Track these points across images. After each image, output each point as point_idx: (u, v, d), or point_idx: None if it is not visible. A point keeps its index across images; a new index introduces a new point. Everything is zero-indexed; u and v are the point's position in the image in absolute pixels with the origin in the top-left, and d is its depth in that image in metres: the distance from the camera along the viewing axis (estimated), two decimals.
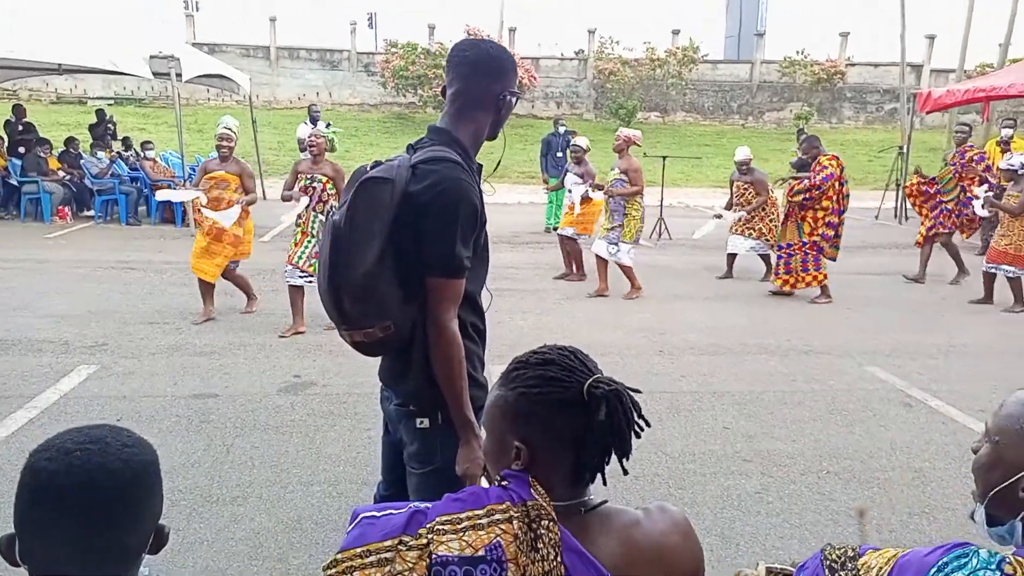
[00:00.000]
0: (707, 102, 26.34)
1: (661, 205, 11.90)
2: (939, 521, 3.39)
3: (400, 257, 1.81)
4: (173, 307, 6.62)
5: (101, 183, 11.85)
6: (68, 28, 10.24)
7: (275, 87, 25.08)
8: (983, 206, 8.09)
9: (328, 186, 5.92)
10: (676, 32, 26.36)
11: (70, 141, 13.24)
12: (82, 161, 12.27)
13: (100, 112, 15.62)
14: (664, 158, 12.18)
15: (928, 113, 14.11)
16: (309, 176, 5.95)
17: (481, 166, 2.01)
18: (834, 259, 7.81)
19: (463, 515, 1.14)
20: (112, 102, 22.87)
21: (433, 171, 1.82)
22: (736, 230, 8.63)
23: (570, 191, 8.27)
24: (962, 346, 6.15)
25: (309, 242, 5.94)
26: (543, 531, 1.11)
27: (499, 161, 2.28)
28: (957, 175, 8.78)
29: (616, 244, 7.45)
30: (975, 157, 8.85)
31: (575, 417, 1.17)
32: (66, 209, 11.83)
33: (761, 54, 26.61)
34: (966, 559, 1.08)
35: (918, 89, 17.41)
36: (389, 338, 1.87)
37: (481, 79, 1.96)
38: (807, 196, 7.45)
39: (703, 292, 7.98)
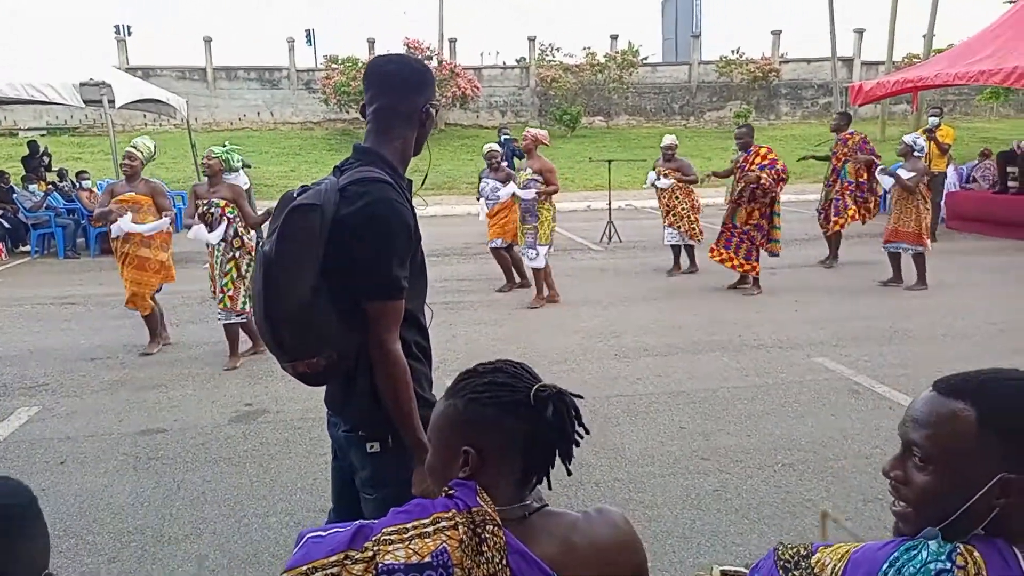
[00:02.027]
0: (649, 104, 26.76)
1: (609, 209, 12.03)
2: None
3: (336, 283, 1.77)
4: (116, 341, 6.43)
5: (36, 216, 11.49)
6: None
7: (214, 109, 24.67)
8: (879, 173, 8.30)
9: (228, 210, 5.57)
10: (615, 37, 26.75)
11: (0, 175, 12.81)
12: (15, 195, 11.88)
13: (33, 144, 15.16)
14: (609, 162, 12.33)
15: (861, 105, 14.53)
16: (206, 201, 5.61)
17: (411, 181, 1.99)
18: (776, 254, 7.99)
19: (409, 525, 1.16)
20: (44, 132, 22.22)
21: (363, 193, 1.79)
22: (667, 223, 8.91)
23: (488, 199, 8.20)
24: (905, 331, 6.33)
25: (220, 273, 5.68)
26: (488, 535, 1.15)
27: (426, 175, 2.26)
28: (838, 161, 9.12)
29: (533, 248, 7.40)
30: (858, 142, 9.11)
31: (523, 420, 1.23)
32: (0, 245, 11.43)
33: (698, 55, 27.16)
34: (915, 551, 1.07)
35: (850, 82, 17.95)
36: (333, 366, 1.83)
37: (402, 94, 1.93)
38: (758, 185, 7.61)
39: (654, 293, 8.07)
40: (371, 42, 25.28)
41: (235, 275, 5.65)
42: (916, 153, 7.91)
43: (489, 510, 1.17)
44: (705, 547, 3.14)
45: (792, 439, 4.22)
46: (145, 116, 20.82)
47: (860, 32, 26.79)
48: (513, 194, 7.59)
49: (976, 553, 1.04)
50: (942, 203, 11.95)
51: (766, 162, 7.69)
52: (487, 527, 1.15)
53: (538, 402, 1.23)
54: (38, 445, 4.35)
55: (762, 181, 7.57)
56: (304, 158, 21.22)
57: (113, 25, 25.83)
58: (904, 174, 7.85)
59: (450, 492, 1.21)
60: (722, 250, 7.98)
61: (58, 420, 4.74)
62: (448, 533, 1.14)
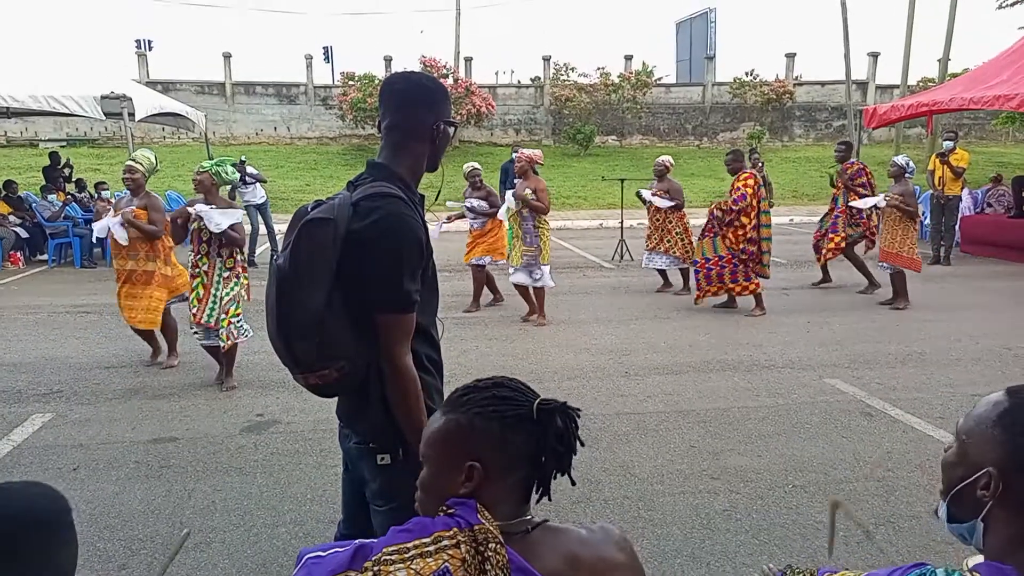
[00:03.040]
0: (662, 124, 26.83)
1: (621, 227, 12.05)
2: (904, 530, 3.43)
3: (348, 296, 1.80)
4: (130, 350, 6.48)
5: (54, 226, 11.63)
6: (16, 70, 10.08)
7: (231, 123, 24.94)
8: (884, 199, 8.22)
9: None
10: (629, 57, 26.88)
11: (8, 184, 12.98)
12: (34, 205, 12.04)
13: (53, 155, 15.36)
14: (622, 181, 12.35)
15: (875, 128, 14.51)
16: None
17: (423, 196, 2.01)
18: (766, 276, 7.96)
19: (410, 544, 1.16)
20: (64, 143, 22.52)
21: (374, 207, 1.81)
22: (649, 246, 8.97)
23: (473, 220, 8.13)
24: (919, 354, 6.29)
25: (214, 295, 5.38)
26: (491, 553, 1.14)
27: (439, 191, 2.29)
28: (838, 190, 9.12)
29: (538, 268, 7.33)
30: (854, 172, 9.08)
31: (528, 434, 1.24)
32: (18, 254, 11.58)
33: (712, 77, 27.24)
34: None
35: (864, 105, 17.94)
36: (345, 378, 1.85)
37: (414, 111, 1.96)
38: (727, 213, 7.63)
39: (666, 311, 8.06)
40: (388, 60, 25.55)
41: (232, 295, 5.42)
42: (907, 175, 8.03)
43: (491, 527, 1.16)
44: (715, 567, 3.12)
45: (804, 460, 4.19)
46: (164, 129, 21.08)
47: (875, 55, 26.81)
48: (507, 210, 7.51)
49: None
50: (956, 227, 11.89)
51: (734, 189, 7.69)
52: (489, 545, 1.14)
53: (542, 416, 1.24)
54: (51, 451, 4.38)
55: (715, 211, 7.72)
56: (320, 173, 21.39)
57: (134, 39, 26.16)
58: (870, 200, 8.22)
59: (450, 511, 1.20)
60: (706, 287, 7.90)
61: (72, 427, 4.78)
62: (450, 552, 1.13)
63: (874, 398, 5.20)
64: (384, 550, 1.14)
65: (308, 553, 1.19)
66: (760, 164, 11.94)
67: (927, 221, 11.78)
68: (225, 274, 5.41)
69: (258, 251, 11.55)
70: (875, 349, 6.45)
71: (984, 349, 6.42)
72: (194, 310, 5.39)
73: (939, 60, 20.92)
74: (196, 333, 5.51)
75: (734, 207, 7.57)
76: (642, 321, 7.65)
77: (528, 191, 7.19)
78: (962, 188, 11.68)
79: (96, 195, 12.73)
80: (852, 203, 8.63)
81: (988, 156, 23.51)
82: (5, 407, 5.10)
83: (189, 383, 5.64)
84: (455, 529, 1.16)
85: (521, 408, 1.25)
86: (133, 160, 5.78)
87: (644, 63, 25.93)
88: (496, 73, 37.44)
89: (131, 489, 3.85)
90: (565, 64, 25.87)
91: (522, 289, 7.59)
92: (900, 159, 8.14)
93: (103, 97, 9.98)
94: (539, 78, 26.86)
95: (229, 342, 5.40)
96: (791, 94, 26.16)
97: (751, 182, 7.61)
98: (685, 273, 8.92)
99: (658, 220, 8.93)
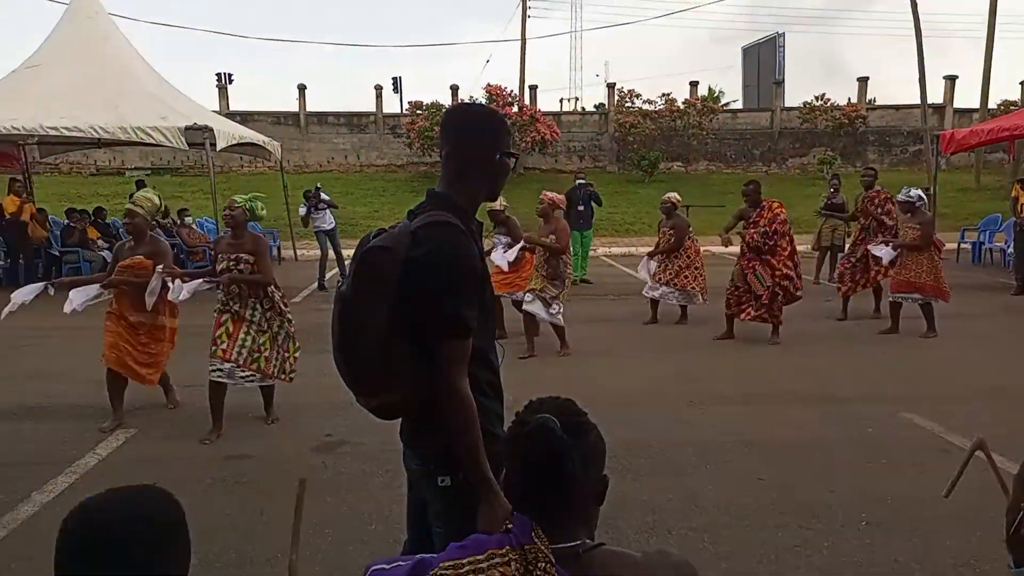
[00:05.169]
0: (728, 150, 26.52)
1: None
2: (985, 573, 3.28)
3: (408, 322, 1.86)
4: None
5: None
6: (106, 102, 10.72)
7: (305, 152, 25.82)
8: (893, 249, 8.03)
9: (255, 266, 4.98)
10: (695, 84, 26.76)
11: (98, 211, 13.72)
12: (121, 230, 12.69)
13: (140, 183, 16.16)
14: (687, 207, 12.24)
15: (953, 153, 14.05)
16: (233, 257, 4.96)
17: (482, 224, 2.07)
18: (799, 298, 7.80)
19: (465, 560, 1.21)
20: (149, 172, 23.68)
21: (432, 236, 1.87)
22: (656, 277, 8.78)
23: (500, 257, 7.46)
24: (1000, 388, 6.01)
25: (248, 331, 5.02)
26: (540, 572, 1.18)
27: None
28: (866, 219, 8.86)
29: (557, 303, 7.11)
30: (884, 199, 8.79)
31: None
32: None
33: (780, 101, 26.84)
34: None
35: (941, 130, 17.38)
36: (405, 402, 1.91)
37: (472, 141, 2.01)
38: (767, 241, 7.46)
39: (735, 340, 7.92)
40: (455, 89, 26.10)
41: (269, 337, 5.14)
42: (918, 204, 7.82)
43: (543, 547, 1.19)
44: None
45: (877, 496, 4.05)
46: (241, 158, 21.97)
47: (952, 78, 25.98)
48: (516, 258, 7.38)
49: None
50: None
51: (773, 216, 7.53)
52: (539, 564, 1.17)
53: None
54: (133, 465, 4.59)
55: (752, 239, 7.55)
56: (387, 199, 21.90)
57: (215, 73, 27.42)
58: (887, 251, 7.95)
59: (508, 527, 1.24)
60: (750, 310, 7.70)
61: (153, 442, 5.00)
62: (501, 569, 1.17)
63: (953, 434, 4.99)
64: (441, 564, 1.21)
65: (374, 566, 1.26)
66: (834, 189, 11.68)
67: (1010, 250, 11.28)
68: (267, 314, 5.11)
69: (328, 276, 11.86)
70: (953, 383, 6.20)
71: None
72: (223, 346, 4.96)
73: (1021, 82, 20.13)
74: (216, 371, 4.99)
75: (780, 228, 7.44)
76: (704, 348, 7.54)
77: (552, 238, 7.05)
78: None
79: (180, 221, 13.34)
80: (872, 248, 8.29)
81: None
82: (92, 422, 5.37)
83: (262, 402, 5.81)
84: (507, 547, 1.20)
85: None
86: (133, 204, 5.15)
87: (710, 88, 25.81)
88: (560, 100, 37.74)
89: (206, 504, 3.99)
90: (630, 91, 25.92)
91: (529, 322, 7.25)
92: (913, 192, 7.92)
93: (187, 128, 10.52)
94: (603, 105, 26.95)
95: (284, 378, 5.23)
96: (864, 118, 25.53)
97: (782, 208, 7.59)
98: (685, 308, 8.80)
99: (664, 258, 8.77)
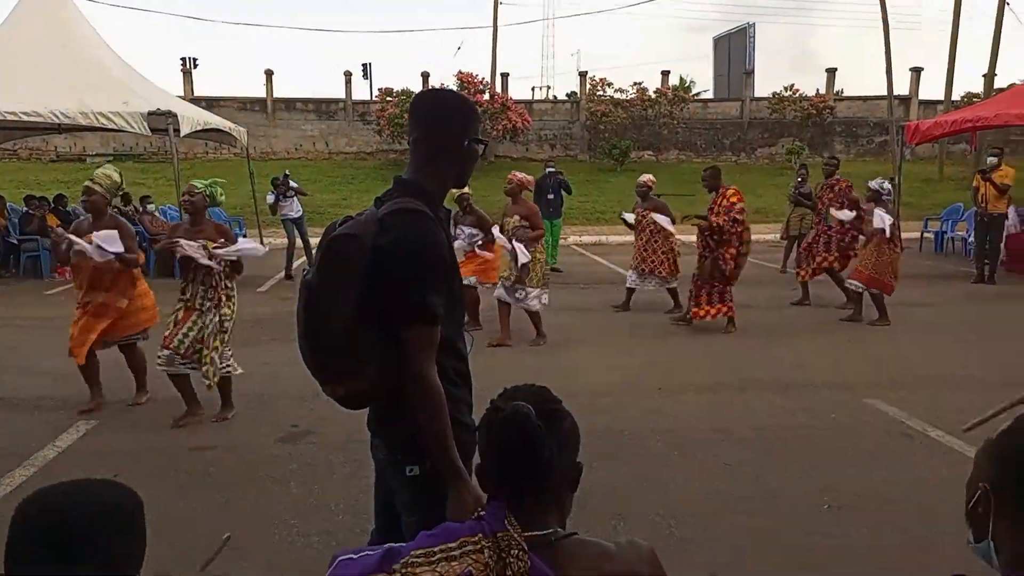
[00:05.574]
0: (699, 140, 26.70)
1: None
2: (947, 555, 3.34)
3: (374, 310, 1.84)
4: None
5: None
6: (66, 87, 10.43)
7: (272, 138, 25.45)
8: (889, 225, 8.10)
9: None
10: (666, 73, 26.86)
11: (58, 198, 13.39)
12: (81, 218, 12.40)
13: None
14: (658, 196, 12.29)
15: (918, 144, 14.28)
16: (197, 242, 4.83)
17: (450, 211, 2.05)
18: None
19: (436, 548, 1.21)
20: (111, 158, 23.16)
21: (399, 223, 1.85)
22: (633, 265, 8.80)
23: (466, 246, 7.62)
24: (964, 377, 6.13)
25: (196, 321, 4.91)
26: (512, 559, 1.18)
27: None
28: (824, 206, 9.01)
29: (523, 289, 7.05)
30: (844, 188, 8.93)
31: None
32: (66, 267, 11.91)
33: (750, 92, 27.05)
34: None
35: (907, 121, 17.66)
36: (372, 390, 1.89)
37: (441, 127, 2.00)
38: (725, 231, 7.43)
39: (703, 327, 7.97)
40: (425, 76, 25.87)
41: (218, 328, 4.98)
42: (884, 197, 8.02)
43: (515, 535, 1.19)
44: None
45: (841, 481, 4.11)
46: (207, 144, 21.58)
47: (917, 71, 26.40)
48: (477, 245, 7.38)
49: None
50: (1002, 245, 11.60)
51: (729, 204, 7.48)
52: (512, 551, 1.17)
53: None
54: (94, 457, 4.49)
55: (717, 222, 7.45)
56: (356, 187, 21.69)
57: (180, 57, 26.87)
58: (886, 217, 7.96)
59: (480, 514, 1.24)
60: (706, 307, 7.72)
61: (114, 434, 4.90)
62: (474, 556, 1.17)
63: (914, 419, 5.08)
64: (412, 553, 1.19)
65: (341, 555, 1.24)
66: (801, 179, 11.80)
67: (971, 239, 11.52)
68: (207, 304, 4.94)
69: (295, 265, 11.72)
70: (916, 370, 6.32)
71: None
72: (166, 332, 4.90)
73: (984, 75, 20.53)
74: (158, 357, 4.92)
75: (738, 216, 7.41)
76: (677, 336, 7.59)
77: (516, 218, 7.06)
78: (1008, 205, 11.41)
79: (142, 208, 13.07)
80: (834, 212, 8.50)
81: None
82: (51, 414, 5.25)
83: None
84: (480, 535, 1.20)
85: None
86: (91, 180, 5.03)
87: (682, 77, 25.95)
88: (532, 89, 37.71)
89: (170, 495, 3.92)
90: (602, 80, 25.93)
91: (503, 309, 7.21)
92: (874, 183, 8.12)
93: (150, 113, 10.29)
94: (575, 93, 26.95)
95: (215, 379, 4.96)
96: (832, 109, 25.85)
97: (738, 197, 7.50)
98: (674, 292, 8.77)
99: (642, 240, 8.78)
